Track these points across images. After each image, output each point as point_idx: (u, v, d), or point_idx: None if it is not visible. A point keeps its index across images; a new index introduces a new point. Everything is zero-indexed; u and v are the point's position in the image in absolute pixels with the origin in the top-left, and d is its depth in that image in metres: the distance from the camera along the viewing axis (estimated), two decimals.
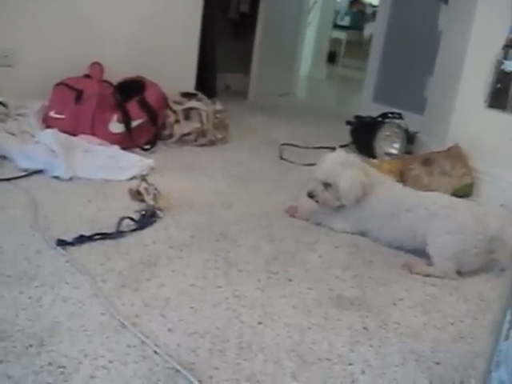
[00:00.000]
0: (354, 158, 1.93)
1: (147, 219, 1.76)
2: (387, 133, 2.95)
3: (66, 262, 1.46)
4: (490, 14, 2.48)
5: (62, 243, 1.53)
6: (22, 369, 1.03)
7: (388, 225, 1.83)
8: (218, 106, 2.89)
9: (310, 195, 1.89)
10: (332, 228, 1.92)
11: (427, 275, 1.67)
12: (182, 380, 1.06)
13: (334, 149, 3.04)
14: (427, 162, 2.52)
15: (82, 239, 1.57)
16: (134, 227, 1.70)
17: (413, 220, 1.78)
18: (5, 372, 1.02)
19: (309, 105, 4.99)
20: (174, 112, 2.76)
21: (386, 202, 1.85)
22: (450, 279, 1.67)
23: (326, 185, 1.87)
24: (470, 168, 2.53)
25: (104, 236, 1.61)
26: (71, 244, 1.54)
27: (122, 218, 1.68)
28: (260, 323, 1.29)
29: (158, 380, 1.05)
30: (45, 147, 2.14)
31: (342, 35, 8.89)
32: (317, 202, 1.90)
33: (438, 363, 1.24)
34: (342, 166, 1.86)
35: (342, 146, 3.14)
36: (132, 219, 1.71)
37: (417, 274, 1.67)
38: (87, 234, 1.59)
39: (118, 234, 1.64)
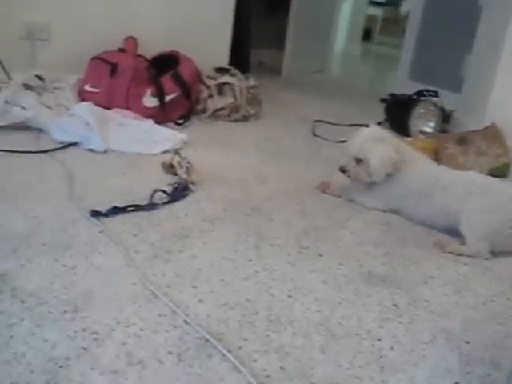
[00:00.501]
0: (387, 134, 1.91)
1: (179, 192, 1.77)
2: (422, 111, 2.90)
3: (100, 232, 1.49)
4: None
5: (96, 214, 1.56)
6: (58, 333, 1.06)
7: (421, 202, 1.81)
8: (252, 82, 2.88)
9: (342, 170, 1.88)
10: (364, 205, 1.91)
11: (460, 254, 1.65)
12: (211, 349, 1.07)
13: (367, 126, 3.03)
14: (463, 140, 2.48)
15: (115, 210, 1.59)
16: (166, 200, 1.72)
17: (447, 198, 1.75)
18: (42, 335, 1.05)
19: (343, 82, 4.93)
20: (208, 87, 2.76)
21: (420, 179, 1.83)
22: (483, 259, 1.65)
23: (358, 160, 1.85)
24: (506, 148, 2.48)
25: (137, 208, 1.64)
26: (105, 215, 1.57)
27: (155, 191, 1.70)
28: (290, 297, 1.30)
29: (188, 349, 1.07)
30: (80, 120, 2.17)
31: (377, 12, 8.69)
32: (349, 177, 1.89)
33: (468, 342, 1.23)
34: (374, 142, 1.84)
35: (376, 124, 3.12)
36: (165, 192, 1.73)
37: (449, 252, 1.65)
38: (121, 205, 1.62)
39: (151, 206, 1.66)
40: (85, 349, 1.03)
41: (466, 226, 1.69)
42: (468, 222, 1.69)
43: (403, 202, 1.85)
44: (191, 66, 2.70)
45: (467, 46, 3.27)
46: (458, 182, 1.77)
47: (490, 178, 1.91)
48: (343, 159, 1.90)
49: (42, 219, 1.52)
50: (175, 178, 1.86)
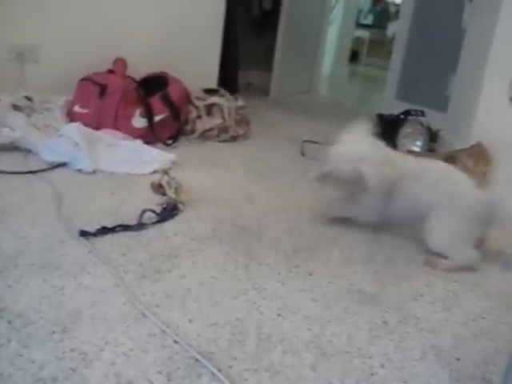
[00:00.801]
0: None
1: (168, 212, 1.77)
2: (409, 130, 2.93)
3: (89, 252, 1.48)
4: None
5: (84, 234, 1.55)
6: (45, 354, 1.05)
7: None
8: (240, 102, 2.90)
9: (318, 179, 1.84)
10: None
11: (450, 270, 1.65)
12: (201, 369, 1.07)
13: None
14: (450, 159, 2.50)
15: (104, 230, 1.59)
16: (155, 220, 1.72)
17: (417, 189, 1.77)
18: (29, 356, 1.04)
19: (331, 102, 4.97)
20: (197, 108, 2.77)
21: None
22: (473, 270, 1.67)
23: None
24: (492, 166, 2.50)
25: (126, 228, 1.63)
26: (94, 235, 1.56)
27: (144, 211, 1.70)
28: (279, 315, 1.30)
29: (178, 368, 1.06)
30: (69, 140, 2.17)
31: (364, 34, 8.83)
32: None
33: (458, 359, 1.23)
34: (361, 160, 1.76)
35: None
36: (154, 212, 1.73)
37: (441, 270, 1.66)
38: (110, 225, 1.61)
39: (140, 226, 1.66)
40: (73, 369, 1.02)
41: (430, 238, 1.73)
42: (431, 235, 1.73)
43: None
44: (180, 86, 2.71)
45: (452, 67, 3.32)
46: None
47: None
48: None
49: (30, 239, 1.51)
50: (164, 198, 1.86)
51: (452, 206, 1.71)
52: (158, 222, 1.72)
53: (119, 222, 1.65)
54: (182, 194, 1.89)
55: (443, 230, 1.72)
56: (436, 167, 1.85)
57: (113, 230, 1.61)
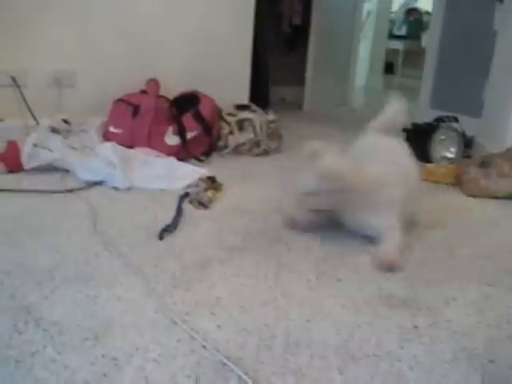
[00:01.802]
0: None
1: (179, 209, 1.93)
2: (442, 137, 2.90)
3: (122, 264, 1.52)
4: None
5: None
6: (78, 360, 1.09)
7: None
8: (271, 116, 2.93)
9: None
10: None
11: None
12: (228, 373, 1.08)
13: None
14: (484, 163, 2.46)
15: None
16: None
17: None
18: (62, 362, 1.08)
19: (365, 115, 4.93)
20: (228, 123, 2.82)
21: None
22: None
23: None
24: None
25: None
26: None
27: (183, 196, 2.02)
28: (308, 321, 1.30)
29: (205, 372, 1.08)
30: (104, 160, 2.24)
31: (399, 45, 8.78)
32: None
33: (491, 361, 1.21)
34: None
35: None
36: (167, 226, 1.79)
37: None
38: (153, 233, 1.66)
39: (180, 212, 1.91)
40: (104, 374, 1.05)
41: None
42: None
43: None
44: (211, 104, 2.77)
45: (485, 71, 3.28)
46: None
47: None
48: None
49: (66, 253, 1.57)
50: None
51: None
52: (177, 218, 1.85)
53: (152, 235, 1.70)
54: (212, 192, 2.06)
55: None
56: None
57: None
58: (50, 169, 2.29)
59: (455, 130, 2.92)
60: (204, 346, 1.16)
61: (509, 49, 2.86)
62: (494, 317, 1.40)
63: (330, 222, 1.85)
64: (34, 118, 2.59)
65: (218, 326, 1.25)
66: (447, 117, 3.01)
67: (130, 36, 2.90)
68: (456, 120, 2.99)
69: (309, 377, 1.09)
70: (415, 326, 1.32)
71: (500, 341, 1.29)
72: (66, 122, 2.55)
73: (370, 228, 1.76)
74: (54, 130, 2.45)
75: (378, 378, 1.11)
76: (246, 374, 1.07)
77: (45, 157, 2.29)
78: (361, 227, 1.79)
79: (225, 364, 1.11)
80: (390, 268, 1.62)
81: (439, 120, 3.02)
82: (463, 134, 2.94)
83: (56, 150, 2.32)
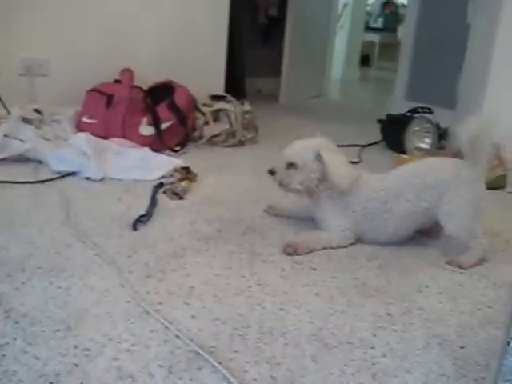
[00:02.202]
0: (330, 145, 1.76)
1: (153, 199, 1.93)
2: (417, 128, 2.92)
3: (95, 255, 1.50)
4: None
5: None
6: (49, 351, 1.07)
7: (386, 220, 1.71)
8: (247, 107, 2.93)
9: (271, 172, 1.77)
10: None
11: (476, 263, 1.64)
12: (202, 362, 1.08)
13: (363, 146, 3.06)
14: (458, 154, 2.48)
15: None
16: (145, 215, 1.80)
17: (407, 203, 1.69)
18: (33, 353, 1.06)
19: (341, 106, 4.98)
20: (203, 114, 2.80)
21: (371, 197, 1.72)
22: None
23: (290, 164, 1.73)
24: (502, 160, 2.49)
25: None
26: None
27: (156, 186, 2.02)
28: (282, 309, 1.30)
29: (179, 362, 1.07)
30: (77, 150, 2.21)
31: (375, 38, 8.82)
32: (278, 182, 1.77)
33: (462, 347, 1.22)
34: (314, 151, 1.70)
35: (371, 144, 3.15)
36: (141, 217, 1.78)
37: (469, 267, 1.63)
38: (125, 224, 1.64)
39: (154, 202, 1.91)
40: (76, 365, 1.04)
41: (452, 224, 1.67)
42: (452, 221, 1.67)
43: (362, 226, 1.74)
44: (186, 94, 2.75)
45: (460, 64, 3.31)
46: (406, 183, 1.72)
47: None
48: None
49: (38, 244, 1.54)
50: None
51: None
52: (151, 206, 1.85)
53: (125, 226, 1.68)
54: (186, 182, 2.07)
55: (462, 214, 1.66)
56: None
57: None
58: (22, 160, 2.25)
59: (430, 121, 2.95)
60: (177, 336, 1.15)
61: (481, 42, 2.89)
62: (466, 304, 1.42)
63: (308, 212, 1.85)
64: (5, 107, 2.53)
65: (192, 316, 1.24)
66: (422, 108, 3.04)
67: (104, 25, 2.87)
68: (430, 111, 3.02)
69: (283, 365, 1.09)
70: (388, 314, 1.33)
71: (471, 327, 1.31)
72: (38, 111, 2.51)
73: None
74: (26, 120, 2.41)
75: (352, 365, 1.12)
76: (220, 363, 1.07)
77: (16, 147, 2.25)
78: None
79: (198, 353, 1.10)
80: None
81: (414, 111, 3.04)
82: (437, 126, 2.97)
83: (28, 140, 2.28)
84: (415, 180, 1.70)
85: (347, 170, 1.73)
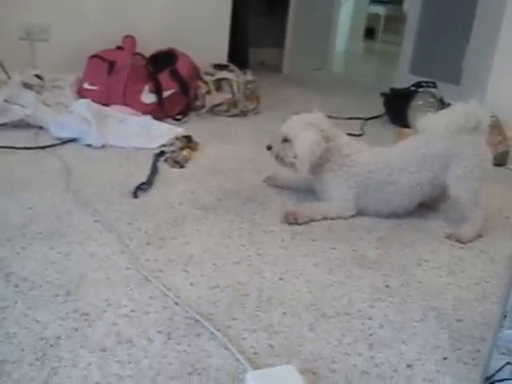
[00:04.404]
0: (325, 122, 1.79)
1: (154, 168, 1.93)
2: (420, 102, 2.90)
3: (95, 221, 1.51)
4: None
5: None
6: (50, 315, 1.08)
7: (388, 193, 1.72)
8: (249, 77, 2.90)
9: (268, 147, 1.80)
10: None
11: (474, 238, 1.66)
12: (200, 329, 1.09)
13: (366, 119, 3.04)
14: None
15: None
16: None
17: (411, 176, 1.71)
18: (33, 317, 1.07)
19: (344, 79, 4.93)
20: (206, 83, 2.78)
21: (373, 169, 1.73)
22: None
23: (286, 139, 1.76)
24: (505, 136, 2.48)
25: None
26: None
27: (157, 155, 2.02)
28: (281, 279, 1.31)
29: (178, 328, 1.08)
30: (78, 117, 2.19)
31: (380, 10, 8.68)
32: (275, 156, 1.80)
33: (459, 320, 1.23)
34: (305, 126, 1.73)
35: (374, 117, 3.13)
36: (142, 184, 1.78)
37: (467, 241, 1.64)
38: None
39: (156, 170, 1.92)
40: (75, 329, 1.05)
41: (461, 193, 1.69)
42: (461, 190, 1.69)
43: (366, 198, 1.75)
44: (188, 62, 2.72)
45: (465, 38, 3.27)
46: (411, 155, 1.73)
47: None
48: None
49: (38, 210, 1.54)
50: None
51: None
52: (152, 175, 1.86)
53: (126, 193, 1.68)
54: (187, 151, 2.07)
55: (468, 180, 1.68)
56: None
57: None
58: (23, 125, 2.24)
59: (433, 95, 2.92)
60: (176, 303, 1.16)
61: (488, 18, 2.85)
62: (464, 278, 1.42)
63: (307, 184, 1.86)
64: (6, 72, 2.51)
65: (191, 283, 1.25)
66: (426, 82, 3.00)
67: None
68: (434, 85, 2.99)
69: (280, 334, 1.10)
70: (387, 286, 1.34)
71: (468, 301, 1.32)
72: (38, 77, 2.48)
73: None
74: (27, 86, 2.39)
75: (349, 335, 1.13)
76: (218, 330, 1.08)
77: (17, 113, 2.23)
78: None
79: (197, 320, 1.11)
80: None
81: (418, 85, 3.01)
82: (441, 101, 2.94)
83: (29, 106, 2.27)
84: (416, 153, 1.71)
85: (311, 152, 1.69)
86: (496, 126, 2.48)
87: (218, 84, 2.80)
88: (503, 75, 2.55)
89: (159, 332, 1.07)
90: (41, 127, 2.25)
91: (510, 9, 2.53)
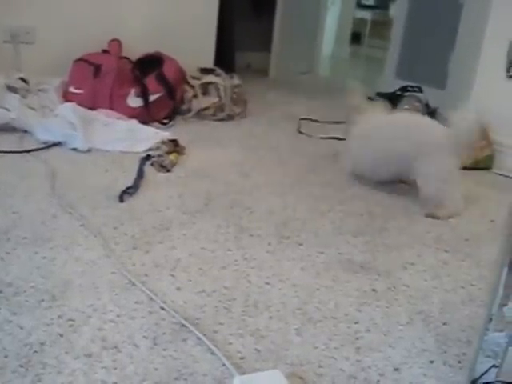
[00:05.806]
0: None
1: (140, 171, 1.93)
2: (406, 106, 2.91)
3: (81, 225, 1.49)
4: None
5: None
6: (34, 320, 1.07)
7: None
8: (236, 81, 2.90)
9: None
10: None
11: (451, 215, 1.84)
12: (186, 334, 1.08)
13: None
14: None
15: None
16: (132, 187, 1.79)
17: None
18: (18, 323, 1.06)
19: (330, 83, 4.95)
20: (192, 87, 2.77)
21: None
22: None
23: None
24: (490, 140, 2.50)
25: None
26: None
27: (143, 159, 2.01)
28: (267, 283, 1.31)
29: (164, 333, 1.07)
30: (64, 120, 2.18)
31: (366, 15, 8.74)
32: None
33: (445, 323, 1.24)
34: None
35: None
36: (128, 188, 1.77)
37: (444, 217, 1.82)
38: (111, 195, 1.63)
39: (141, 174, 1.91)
40: (60, 335, 1.04)
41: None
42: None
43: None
44: (175, 66, 2.71)
45: (451, 44, 3.29)
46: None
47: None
48: None
49: (23, 214, 1.53)
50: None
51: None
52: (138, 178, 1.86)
53: (112, 197, 1.67)
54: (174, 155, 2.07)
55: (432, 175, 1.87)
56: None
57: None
58: (7, 129, 2.22)
59: (419, 100, 2.94)
60: (162, 308, 1.15)
61: (473, 22, 2.87)
62: (449, 282, 1.43)
63: None
64: None
65: (177, 288, 1.24)
66: (411, 87, 3.03)
67: None
68: (420, 90, 3.01)
69: (267, 338, 1.10)
70: (373, 290, 1.34)
71: (454, 305, 1.32)
72: (23, 80, 2.46)
73: None
74: (12, 89, 2.37)
75: (336, 339, 1.13)
76: (205, 335, 1.07)
77: (1, 116, 2.21)
78: None
79: (183, 325, 1.10)
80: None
81: (403, 90, 3.03)
82: (427, 105, 2.96)
83: (13, 109, 2.25)
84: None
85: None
86: (481, 130, 2.51)
87: (205, 88, 2.80)
88: (488, 80, 2.57)
89: (145, 337, 1.06)
90: (26, 131, 2.23)
91: (494, 14, 2.54)
